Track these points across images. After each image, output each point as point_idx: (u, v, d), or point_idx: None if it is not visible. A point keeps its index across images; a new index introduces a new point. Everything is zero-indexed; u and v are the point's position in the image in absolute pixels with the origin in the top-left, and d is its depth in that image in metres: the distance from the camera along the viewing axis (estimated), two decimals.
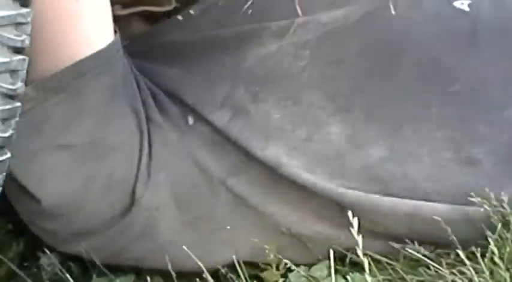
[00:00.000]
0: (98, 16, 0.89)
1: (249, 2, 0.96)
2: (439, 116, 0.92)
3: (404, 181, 0.92)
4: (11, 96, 0.73)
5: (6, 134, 0.74)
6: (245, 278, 0.96)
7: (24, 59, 0.73)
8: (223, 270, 0.97)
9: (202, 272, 0.92)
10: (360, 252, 0.80)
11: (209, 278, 0.92)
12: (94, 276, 1.03)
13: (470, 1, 0.94)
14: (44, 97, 0.87)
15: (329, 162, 0.92)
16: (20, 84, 0.74)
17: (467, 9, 0.94)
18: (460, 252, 0.88)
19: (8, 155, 0.75)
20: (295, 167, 0.91)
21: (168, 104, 0.95)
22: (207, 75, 0.95)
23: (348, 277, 0.93)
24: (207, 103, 0.94)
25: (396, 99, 0.92)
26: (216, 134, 0.93)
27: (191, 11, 1.02)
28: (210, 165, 0.93)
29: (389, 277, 0.94)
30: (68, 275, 0.98)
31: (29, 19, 0.72)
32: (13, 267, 1.04)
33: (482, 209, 0.90)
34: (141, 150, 0.92)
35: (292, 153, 0.92)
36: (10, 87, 0.73)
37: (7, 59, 0.72)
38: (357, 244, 0.79)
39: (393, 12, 0.91)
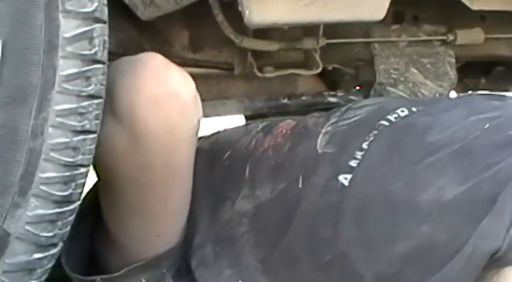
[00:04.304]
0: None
1: None
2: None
3: None
4: None
5: None
6: None
7: None
8: None
9: None
10: None
11: None
12: None
13: (351, 175, 1.01)
14: None
15: None
16: None
17: (346, 184, 1.02)
18: None
19: None
20: None
21: None
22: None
23: None
24: (189, 245, 1.13)
25: (289, 262, 1.05)
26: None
27: None
28: None
29: None
30: None
31: None
32: None
33: None
34: None
35: None
36: None
37: None
38: None
39: (300, 185, 1.06)
